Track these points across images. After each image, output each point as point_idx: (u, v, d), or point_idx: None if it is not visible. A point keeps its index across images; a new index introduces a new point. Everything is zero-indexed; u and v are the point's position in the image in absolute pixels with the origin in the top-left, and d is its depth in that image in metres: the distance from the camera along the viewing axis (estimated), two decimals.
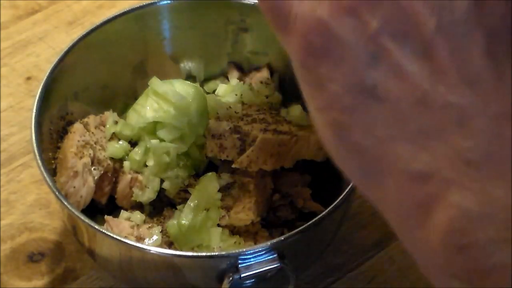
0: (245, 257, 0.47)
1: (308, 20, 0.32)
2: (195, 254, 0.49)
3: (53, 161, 0.56)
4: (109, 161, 0.57)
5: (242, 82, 0.63)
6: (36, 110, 0.54)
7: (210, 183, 0.55)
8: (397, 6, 0.31)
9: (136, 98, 0.60)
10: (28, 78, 0.72)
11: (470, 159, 0.30)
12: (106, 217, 0.56)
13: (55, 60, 0.57)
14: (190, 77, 0.65)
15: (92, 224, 0.49)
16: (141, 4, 0.61)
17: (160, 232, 0.55)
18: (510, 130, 0.30)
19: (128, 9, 0.61)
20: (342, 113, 0.32)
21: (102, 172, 0.57)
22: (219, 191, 0.55)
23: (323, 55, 0.32)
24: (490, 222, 0.29)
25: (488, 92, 0.30)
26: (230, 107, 0.57)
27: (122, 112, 0.61)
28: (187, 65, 0.64)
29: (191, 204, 0.54)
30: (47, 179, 0.51)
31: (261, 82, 0.62)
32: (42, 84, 0.56)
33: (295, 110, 0.58)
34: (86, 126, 0.58)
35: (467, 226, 0.29)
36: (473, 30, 0.31)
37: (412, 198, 0.31)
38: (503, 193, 0.29)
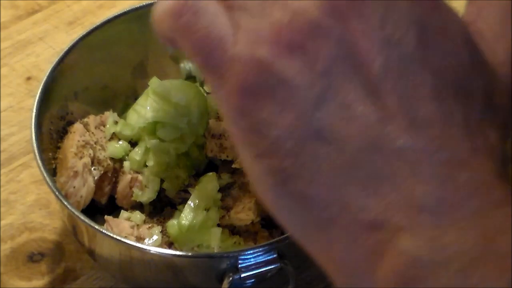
0: (245, 257, 0.47)
1: (247, 60, 0.30)
2: (195, 254, 0.50)
3: (53, 161, 0.56)
4: (109, 161, 0.57)
5: None
6: (36, 110, 0.54)
7: (210, 183, 0.55)
8: (344, 43, 0.30)
9: (136, 98, 0.60)
10: (28, 78, 0.72)
11: (422, 205, 0.29)
12: (106, 217, 0.56)
13: (55, 60, 0.57)
14: (190, 77, 0.65)
15: (92, 224, 0.49)
16: (141, 4, 0.61)
17: (160, 232, 0.55)
18: (462, 176, 0.29)
19: (128, 9, 0.61)
20: (286, 159, 0.30)
21: (102, 172, 0.56)
22: (219, 191, 0.55)
23: (265, 97, 0.30)
24: (442, 269, 0.28)
25: (437, 136, 0.29)
26: None
27: (122, 112, 0.61)
28: (187, 65, 0.64)
29: (191, 204, 0.54)
30: (47, 179, 0.51)
31: None
32: (42, 84, 0.56)
33: None
34: (86, 126, 0.58)
35: (419, 274, 0.28)
36: (420, 69, 0.30)
37: (362, 247, 0.30)
38: (455, 239, 0.28)
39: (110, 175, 0.57)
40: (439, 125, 0.29)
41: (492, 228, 0.28)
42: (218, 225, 0.54)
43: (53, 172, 0.55)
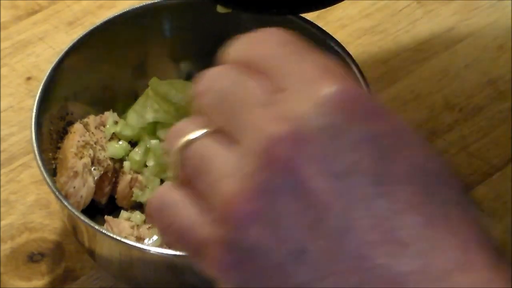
0: None
1: (214, 240, 0.32)
2: None
3: (53, 161, 0.56)
4: (109, 161, 0.57)
5: None
6: (36, 110, 0.54)
7: None
8: (297, 191, 0.30)
9: (136, 98, 0.60)
10: (28, 78, 0.72)
11: None
12: (106, 217, 0.56)
13: (55, 60, 0.57)
14: (190, 77, 0.65)
15: (92, 224, 0.49)
16: (141, 4, 0.61)
17: None
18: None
19: (128, 9, 0.61)
20: None
21: (102, 172, 0.57)
22: None
23: (240, 269, 0.31)
24: None
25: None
26: None
27: (122, 112, 0.61)
28: (187, 65, 0.64)
29: None
30: (47, 179, 0.51)
31: None
32: (42, 84, 0.56)
33: None
34: (86, 126, 0.58)
35: None
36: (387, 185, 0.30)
37: None
38: None
39: (110, 175, 0.57)
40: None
41: None
42: None
43: (53, 172, 0.55)
